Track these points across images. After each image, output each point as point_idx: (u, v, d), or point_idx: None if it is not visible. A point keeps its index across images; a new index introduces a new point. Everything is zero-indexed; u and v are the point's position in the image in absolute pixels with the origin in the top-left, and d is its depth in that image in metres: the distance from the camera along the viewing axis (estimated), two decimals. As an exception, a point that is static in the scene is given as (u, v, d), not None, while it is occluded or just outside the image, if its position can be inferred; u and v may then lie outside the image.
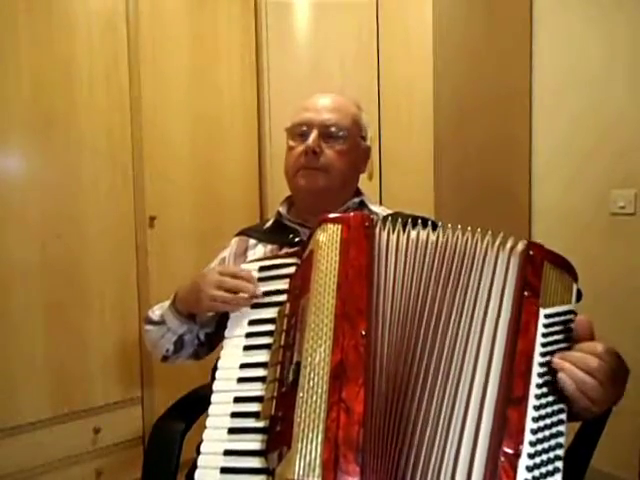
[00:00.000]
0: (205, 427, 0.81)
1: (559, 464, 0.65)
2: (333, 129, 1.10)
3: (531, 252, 0.77)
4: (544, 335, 0.72)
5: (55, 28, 1.73)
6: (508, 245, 0.79)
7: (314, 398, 0.70)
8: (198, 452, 0.79)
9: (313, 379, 0.71)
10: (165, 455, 1.01)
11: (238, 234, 1.22)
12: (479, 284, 0.77)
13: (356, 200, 1.16)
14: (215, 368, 0.86)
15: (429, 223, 0.86)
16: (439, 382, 0.72)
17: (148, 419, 1.92)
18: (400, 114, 1.99)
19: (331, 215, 0.86)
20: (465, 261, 0.79)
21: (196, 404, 1.09)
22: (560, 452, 0.66)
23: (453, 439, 0.68)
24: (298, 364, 0.74)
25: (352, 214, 0.86)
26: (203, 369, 1.09)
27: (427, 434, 0.69)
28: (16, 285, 1.69)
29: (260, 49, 2.13)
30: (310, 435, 0.67)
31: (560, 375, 0.68)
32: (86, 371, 1.82)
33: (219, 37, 2.08)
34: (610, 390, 0.70)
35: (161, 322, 1.10)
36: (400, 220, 0.86)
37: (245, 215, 2.12)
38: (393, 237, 0.83)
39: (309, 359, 0.73)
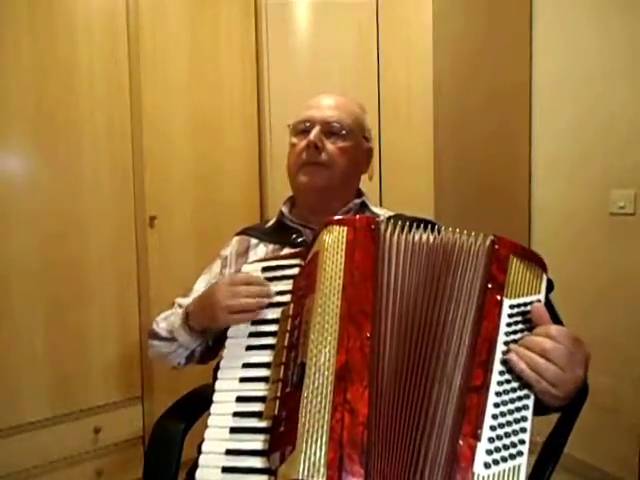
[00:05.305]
0: (207, 426, 0.81)
1: (522, 448, 0.67)
2: (335, 125, 1.10)
3: (497, 247, 0.79)
4: (508, 325, 0.74)
5: (56, 27, 1.73)
6: (478, 243, 0.80)
7: (319, 399, 0.70)
8: (199, 451, 0.78)
9: (318, 379, 0.71)
10: (165, 455, 1.00)
11: (239, 233, 1.21)
12: (460, 284, 0.78)
13: (357, 201, 1.15)
14: (217, 367, 0.86)
15: (429, 225, 0.86)
16: (435, 384, 0.73)
17: (148, 419, 1.92)
18: (400, 114, 1.99)
19: (336, 217, 0.87)
20: (450, 262, 0.80)
21: (196, 404, 1.08)
22: (524, 436, 0.68)
23: (445, 437, 0.69)
24: (303, 365, 0.74)
25: (358, 216, 0.87)
26: (203, 369, 1.09)
27: (433, 435, 0.69)
28: (16, 285, 1.69)
29: (260, 49, 2.13)
30: (315, 435, 0.67)
31: (510, 356, 0.71)
32: (86, 371, 1.82)
33: (219, 37, 2.08)
34: (569, 372, 0.71)
35: (170, 338, 1.08)
36: (403, 222, 0.86)
37: (245, 215, 2.12)
38: (399, 239, 0.83)
39: (314, 360, 0.73)
